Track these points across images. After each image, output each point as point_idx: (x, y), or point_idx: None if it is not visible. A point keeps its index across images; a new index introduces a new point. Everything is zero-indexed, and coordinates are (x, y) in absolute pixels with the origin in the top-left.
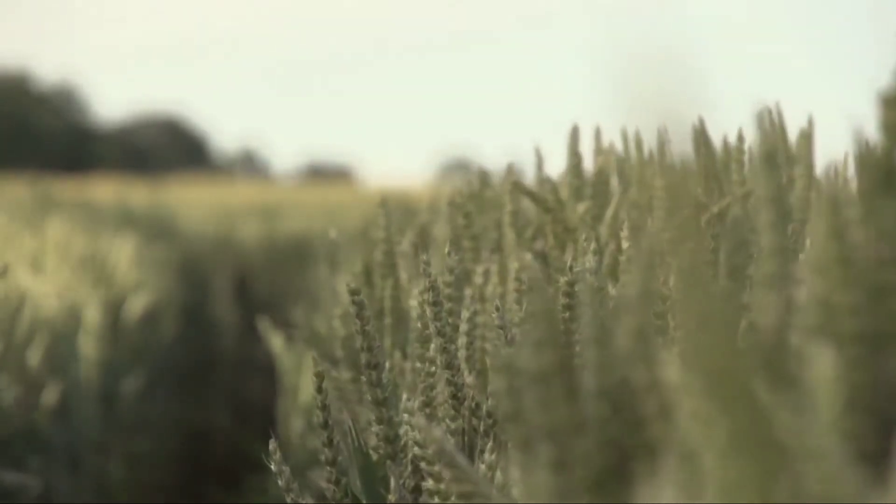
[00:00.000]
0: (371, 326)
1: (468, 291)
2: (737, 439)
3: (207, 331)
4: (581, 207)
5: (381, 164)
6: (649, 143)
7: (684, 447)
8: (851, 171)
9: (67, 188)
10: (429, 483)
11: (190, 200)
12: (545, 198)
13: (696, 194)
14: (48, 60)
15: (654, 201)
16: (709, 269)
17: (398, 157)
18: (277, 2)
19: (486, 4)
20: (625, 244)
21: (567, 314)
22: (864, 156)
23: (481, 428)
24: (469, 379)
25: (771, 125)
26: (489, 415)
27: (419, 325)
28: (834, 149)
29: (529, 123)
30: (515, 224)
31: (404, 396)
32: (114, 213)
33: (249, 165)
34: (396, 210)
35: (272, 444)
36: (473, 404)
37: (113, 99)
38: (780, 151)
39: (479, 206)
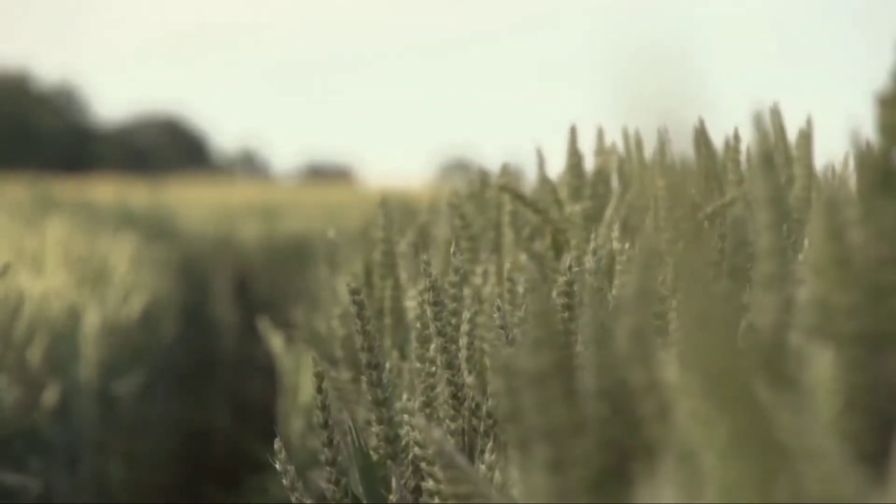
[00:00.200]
0: (371, 326)
1: (467, 292)
2: (736, 439)
3: (207, 331)
4: (576, 208)
5: (380, 165)
6: (649, 143)
7: (683, 447)
8: (851, 171)
9: (67, 188)
10: (429, 483)
11: (190, 200)
12: (534, 199)
13: (695, 195)
14: (48, 60)
15: (654, 201)
16: (710, 270)
17: (398, 157)
18: (277, 1)
19: (486, 5)
20: (615, 245)
21: (566, 314)
22: (863, 156)
23: (481, 428)
24: (469, 379)
25: (769, 125)
26: (489, 415)
27: (419, 325)
28: (834, 149)
29: (529, 123)
30: (515, 224)
31: (404, 396)
32: (114, 214)
33: (249, 165)
34: (396, 210)
35: (277, 443)
36: (473, 405)
37: (113, 99)
38: (780, 152)
39: (480, 206)
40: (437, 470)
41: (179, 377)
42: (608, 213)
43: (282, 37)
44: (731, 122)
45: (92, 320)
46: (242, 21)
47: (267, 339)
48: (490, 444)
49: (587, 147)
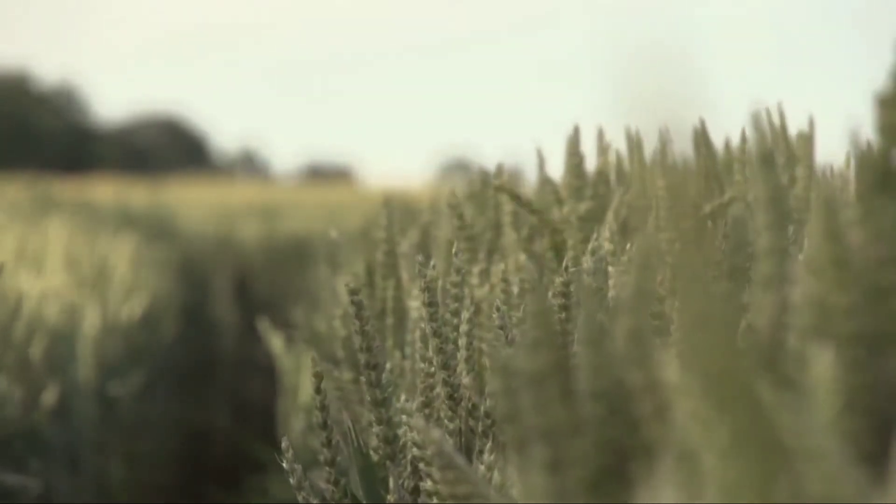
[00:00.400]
0: (370, 326)
1: (466, 291)
2: (737, 440)
3: (207, 331)
4: (576, 208)
5: (381, 165)
6: (650, 143)
7: (681, 447)
8: (851, 171)
9: (67, 188)
10: (427, 484)
11: (190, 200)
12: (531, 200)
13: (696, 195)
14: (48, 60)
15: (655, 202)
16: (710, 270)
17: (398, 157)
18: (277, 1)
19: (486, 5)
20: (608, 245)
21: (563, 315)
22: (862, 156)
23: (479, 429)
24: (466, 380)
25: (769, 126)
26: (487, 415)
27: (420, 325)
28: (834, 149)
29: (529, 124)
30: (515, 224)
31: (402, 397)
32: (114, 214)
33: (249, 165)
34: (397, 210)
35: (284, 442)
36: (470, 405)
37: (113, 99)
38: (782, 152)
39: (480, 206)
40: (435, 470)
41: (179, 377)
42: (609, 213)
43: (282, 37)
44: (731, 122)
45: (92, 320)
46: (242, 21)
47: (267, 340)
48: (488, 445)
49: (588, 147)
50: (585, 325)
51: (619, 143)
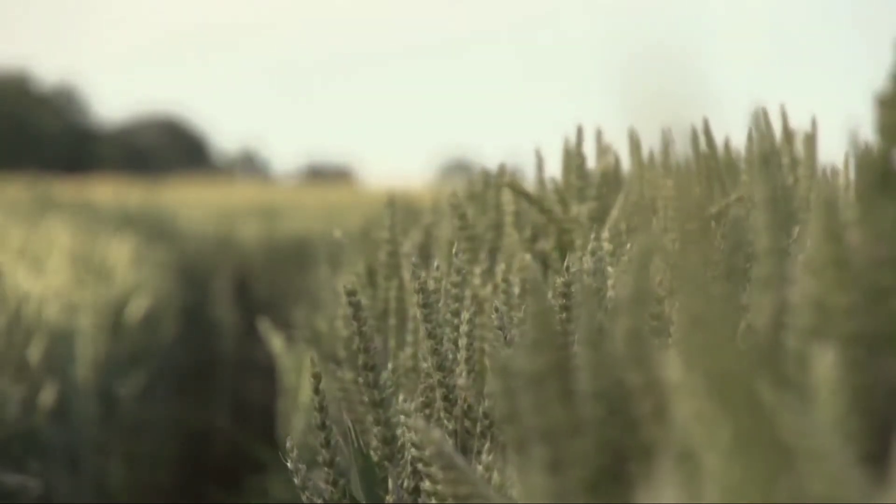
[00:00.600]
0: (368, 327)
1: (467, 293)
2: (739, 440)
3: (207, 331)
4: (583, 209)
5: (381, 165)
6: (652, 143)
7: (682, 448)
8: (851, 171)
9: (67, 189)
10: (426, 484)
11: (190, 201)
12: (541, 198)
13: (701, 196)
14: (48, 61)
15: (662, 202)
16: (712, 270)
17: (398, 157)
18: (278, 1)
19: (486, 5)
20: (608, 245)
21: (564, 315)
22: (862, 157)
23: (477, 429)
24: (461, 381)
25: (772, 126)
26: (485, 416)
27: (419, 326)
28: (834, 150)
29: (530, 124)
30: (517, 224)
31: (400, 397)
32: (113, 214)
33: (249, 166)
34: (399, 210)
35: (289, 442)
36: (466, 406)
37: (113, 99)
38: (785, 152)
39: (481, 206)
40: (433, 470)
41: (179, 378)
42: (612, 213)
43: (282, 37)
44: (732, 122)
45: (92, 321)
46: (242, 21)
47: (267, 340)
48: (487, 446)
49: (588, 147)
50: (585, 325)
51: (620, 144)
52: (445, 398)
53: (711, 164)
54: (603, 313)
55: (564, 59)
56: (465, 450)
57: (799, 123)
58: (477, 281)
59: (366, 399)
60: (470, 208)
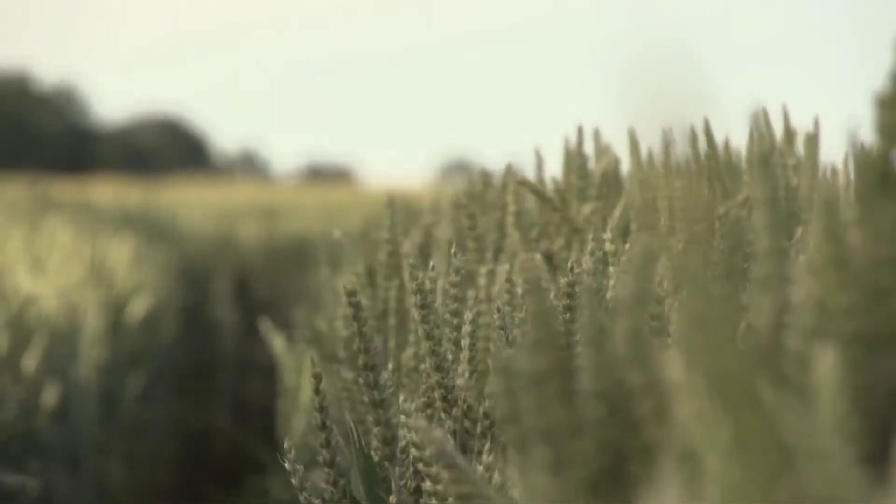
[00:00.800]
0: (368, 328)
1: (471, 293)
2: (740, 440)
3: (207, 332)
4: (588, 208)
5: (381, 165)
6: (654, 143)
7: (683, 448)
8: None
9: (67, 189)
10: (427, 484)
11: (190, 201)
12: (552, 197)
13: (709, 197)
14: (48, 61)
15: (669, 202)
16: (714, 270)
17: (398, 157)
18: (278, 2)
19: (486, 5)
20: (610, 246)
21: (567, 315)
22: (862, 157)
23: (478, 430)
24: (460, 381)
25: (768, 127)
26: (486, 416)
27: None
28: (834, 150)
29: (529, 125)
30: (519, 224)
31: (401, 398)
32: (113, 214)
33: (249, 166)
34: (399, 211)
35: (287, 443)
36: (466, 406)
37: (113, 100)
38: (788, 153)
39: (481, 207)
40: (434, 471)
41: (179, 378)
42: (616, 213)
43: (282, 37)
44: (731, 122)
45: (92, 321)
46: (242, 21)
47: (268, 340)
48: (487, 446)
49: (589, 147)
50: (586, 325)
51: (621, 144)
52: (444, 399)
53: (712, 164)
54: (604, 313)
55: (565, 59)
56: (465, 450)
57: (799, 123)
58: (483, 281)
59: (366, 399)
60: (472, 208)
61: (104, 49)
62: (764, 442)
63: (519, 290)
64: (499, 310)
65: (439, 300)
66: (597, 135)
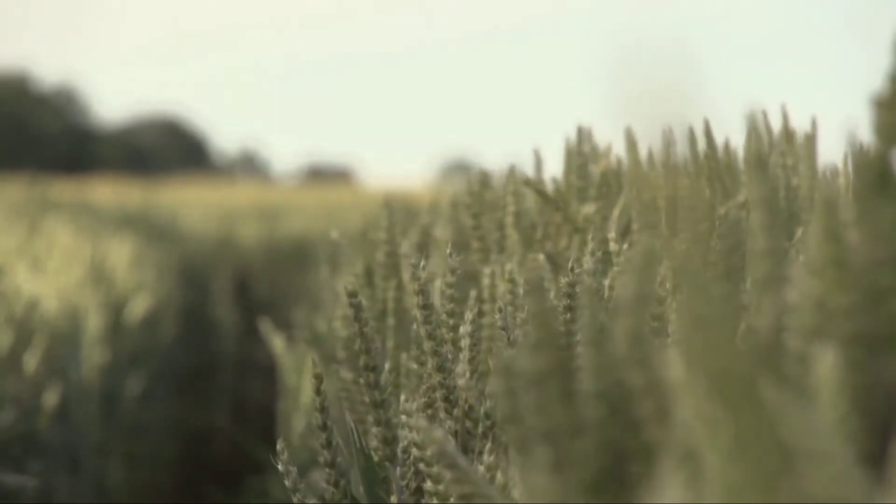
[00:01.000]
0: (369, 328)
1: (474, 293)
2: (741, 440)
3: (208, 332)
4: (589, 208)
5: (381, 166)
6: (652, 144)
7: (684, 448)
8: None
9: (67, 189)
10: (428, 484)
11: (190, 201)
12: (555, 197)
13: (711, 197)
14: (48, 61)
15: (670, 202)
16: (713, 270)
17: (398, 158)
18: (278, 2)
19: (486, 5)
20: (613, 246)
21: (568, 315)
22: (860, 158)
23: (479, 430)
24: (461, 381)
25: (765, 127)
26: (487, 416)
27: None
28: (832, 151)
29: (529, 125)
30: (519, 225)
31: (402, 398)
32: (113, 215)
33: (249, 166)
34: (397, 211)
35: (280, 444)
36: (467, 406)
37: (113, 100)
38: (788, 153)
39: (480, 206)
40: (436, 471)
41: (180, 378)
42: (614, 213)
43: (282, 37)
44: (730, 122)
45: (92, 322)
46: (242, 21)
47: (268, 340)
48: (488, 446)
49: (588, 147)
50: (587, 325)
51: (619, 145)
52: (446, 399)
53: (712, 164)
54: (605, 313)
55: (564, 58)
56: (466, 450)
57: (798, 124)
58: (486, 281)
59: (366, 400)
60: (476, 208)
61: (104, 49)
62: (764, 442)
63: (521, 291)
64: (500, 310)
65: (437, 300)
66: (596, 135)
